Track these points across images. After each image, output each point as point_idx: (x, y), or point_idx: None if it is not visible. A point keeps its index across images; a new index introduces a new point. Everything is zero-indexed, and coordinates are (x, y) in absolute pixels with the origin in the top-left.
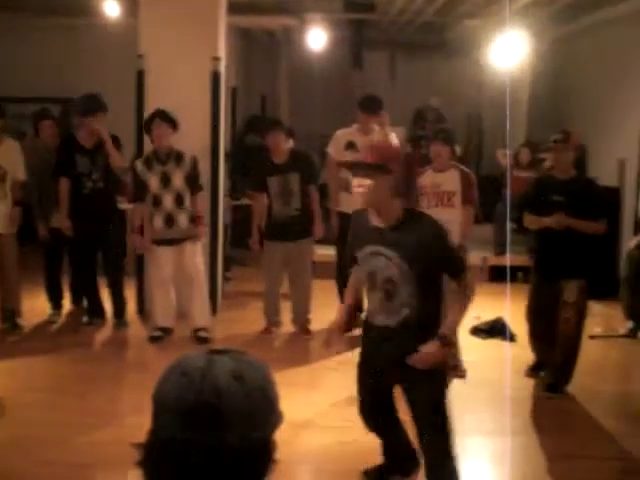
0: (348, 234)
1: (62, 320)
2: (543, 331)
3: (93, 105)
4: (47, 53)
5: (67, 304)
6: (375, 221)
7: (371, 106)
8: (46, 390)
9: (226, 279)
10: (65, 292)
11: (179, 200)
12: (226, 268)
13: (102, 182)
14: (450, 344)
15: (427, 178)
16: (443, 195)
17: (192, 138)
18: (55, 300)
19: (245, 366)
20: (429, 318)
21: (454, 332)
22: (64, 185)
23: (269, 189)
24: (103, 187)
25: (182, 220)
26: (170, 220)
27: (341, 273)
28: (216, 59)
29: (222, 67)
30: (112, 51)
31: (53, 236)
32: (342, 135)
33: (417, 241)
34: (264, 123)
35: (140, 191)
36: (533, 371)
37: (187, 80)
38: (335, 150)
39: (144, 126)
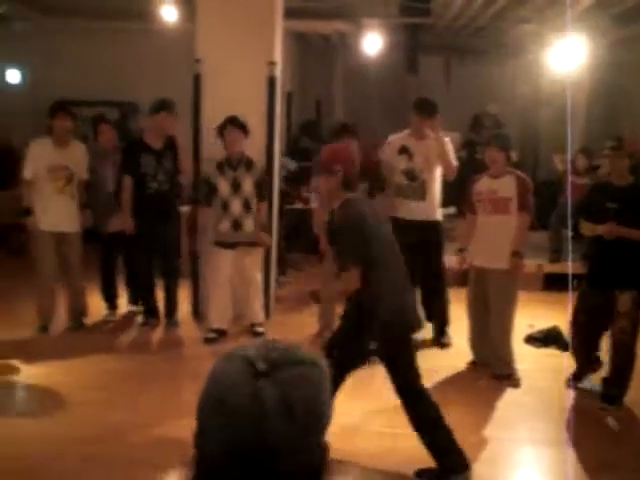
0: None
1: (118, 320)
2: (587, 340)
3: (163, 104)
4: (105, 57)
5: (122, 304)
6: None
7: (426, 109)
8: (101, 389)
9: (281, 283)
10: (120, 292)
11: (247, 205)
12: (281, 272)
13: (167, 184)
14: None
15: (483, 184)
16: (499, 201)
17: (247, 142)
18: (110, 300)
19: (294, 392)
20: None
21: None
22: (128, 184)
23: None
24: (167, 189)
25: (248, 224)
26: (237, 224)
27: None
28: (272, 64)
29: (278, 72)
30: (169, 55)
31: (110, 237)
32: (396, 140)
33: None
34: (337, 128)
35: (210, 195)
36: (573, 381)
37: (243, 84)
38: (389, 155)
39: (217, 131)
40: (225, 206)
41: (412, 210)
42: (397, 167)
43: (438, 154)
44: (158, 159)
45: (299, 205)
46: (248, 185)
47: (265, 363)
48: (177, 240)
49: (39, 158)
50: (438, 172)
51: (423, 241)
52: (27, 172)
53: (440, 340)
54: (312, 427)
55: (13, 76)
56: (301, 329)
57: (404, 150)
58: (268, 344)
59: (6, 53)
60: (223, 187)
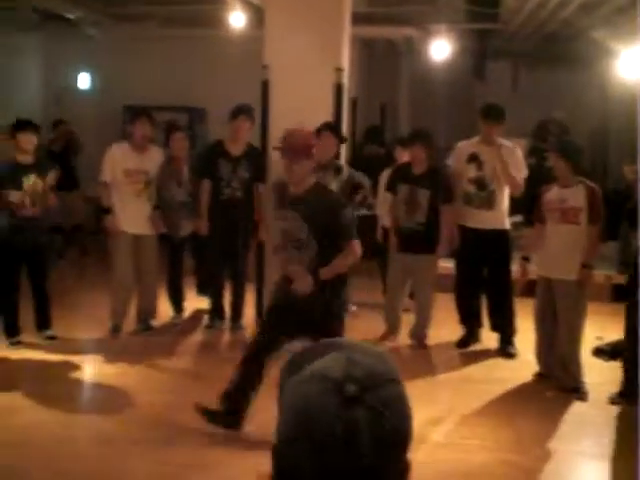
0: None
1: (184, 322)
2: None
3: (242, 109)
4: (173, 63)
5: (189, 306)
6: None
7: (493, 115)
8: (166, 391)
9: None
10: (187, 295)
11: None
12: None
13: (241, 191)
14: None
15: (553, 193)
16: (568, 211)
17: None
18: (177, 303)
19: (386, 415)
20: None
21: (330, 273)
22: (206, 187)
23: (399, 195)
24: (241, 196)
25: None
26: None
27: (459, 287)
28: (339, 70)
29: (345, 78)
30: (237, 62)
31: (179, 242)
32: (464, 147)
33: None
34: (411, 134)
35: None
36: (620, 397)
37: (311, 90)
38: (457, 162)
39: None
40: None
41: (480, 219)
42: (465, 175)
43: (502, 168)
44: (234, 166)
45: (363, 211)
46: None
47: (353, 385)
48: (247, 246)
49: (118, 162)
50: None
51: (490, 250)
52: (105, 175)
53: (506, 350)
54: (402, 447)
55: (84, 81)
56: (366, 336)
57: (473, 158)
58: (344, 356)
59: (78, 58)
60: None
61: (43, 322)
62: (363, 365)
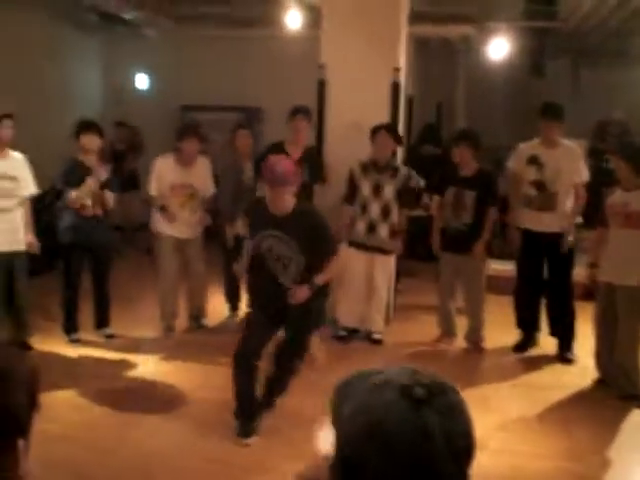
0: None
1: (239, 321)
2: None
3: (300, 108)
4: (230, 63)
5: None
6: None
7: (553, 113)
8: (220, 389)
9: (397, 291)
10: (243, 295)
11: (385, 211)
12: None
13: (301, 193)
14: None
15: (616, 197)
16: (631, 215)
17: (370, 147)
18: (233, 302)
19: (453, 419)
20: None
21: (323, 279)
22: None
23: (445, 197)
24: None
25: (383, 231)
26: (372, 228)
27: (518, 287)
28: (396, 70)
29: (402, 78)
30: (294, 61)
31: (236, 241)
32: (524, 149)
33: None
34: (457, 135)
35: (352, 194)
36: None
37: (367, 90)
38: (517, 164)
39: (371, 133)
40: (364, 208)
41: (541, 221)
42: (526, 178)
43: (568, 177)
44: None
45: (419, 212)
46: (389, 191)
47: (421, 389)
48: None
49: (164, 176)
50: (569, 182)
51: (551, 253)
52: (152, 189)
53: (565, 356)
54: (469, 455)
55: (142, 81)
56: (420, 338)
57: (533, 160)
58: (408, 368)
59: (136, 59)
60: (365, 188)
61: (102, 320)
62: (427, 374)
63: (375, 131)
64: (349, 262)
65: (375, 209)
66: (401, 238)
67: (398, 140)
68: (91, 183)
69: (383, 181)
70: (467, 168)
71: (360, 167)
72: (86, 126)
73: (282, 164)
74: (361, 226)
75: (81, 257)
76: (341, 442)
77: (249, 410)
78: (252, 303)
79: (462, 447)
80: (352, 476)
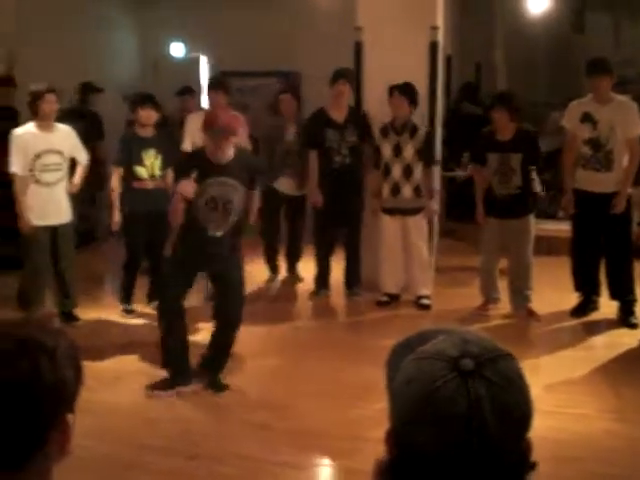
0: None
1: (279, 287)
2: None
3: (341, 72)
4: (265, 27)
5: (283, 271)
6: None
7: (600, 67)
8: (277, 355)
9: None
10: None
11: (407, 171)
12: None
13: (350, 157)
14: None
15: None
16: None
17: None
18: (272, 265)
19: (505, 388)
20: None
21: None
22: (313, 158)
23: (488, 164)
24: (350, 162)
25: (407, 191)
26: (396, 189)
27: (576, 250)
28: (434, 28)
29: (440, 36)
30: (330, 24)
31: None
32: (577, 106)
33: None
34: (492, 99)
35: (376, 158)
36: None
37: (405, 50)
38: (570, 122)
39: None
40: (386, 170)
41: (598, 182)
42: (580, 136)
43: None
44: (342, 133)
45: (459, 172)
46: (410, 151)
47: (469, 360)
48: (360, 212)
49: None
50: (624, 138)
51: (610, 215)
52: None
53: (627, 320)
54: (524, 423)
55: (177, 49)
56: (462, 301)
57: (587, 117)
58: (457, 336)
59: (170, 27)
60: (385, 150)
61: (154, 294)
62: (477, 342)
63: (390, 93)
64: (383, 228)
65: (397, 170)
66: (436, 198)
67: (414, 101)
68: (156, 156)
69: (403, 142)
70: (505, 131)
71: (379, 130)
72: (142, 100)
73: (223, 116)
74: (386, 190)
75: (141, 232)
76: (394, 414)
77: (182, 358)
78: (175, 250)
79: (515, 417)
80: (406, 449)
